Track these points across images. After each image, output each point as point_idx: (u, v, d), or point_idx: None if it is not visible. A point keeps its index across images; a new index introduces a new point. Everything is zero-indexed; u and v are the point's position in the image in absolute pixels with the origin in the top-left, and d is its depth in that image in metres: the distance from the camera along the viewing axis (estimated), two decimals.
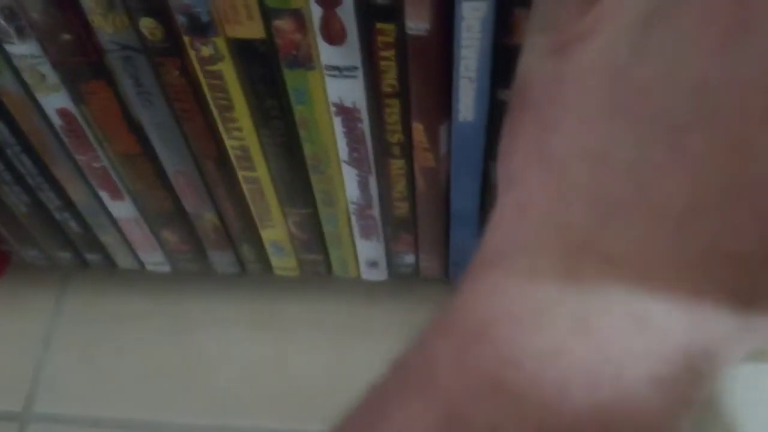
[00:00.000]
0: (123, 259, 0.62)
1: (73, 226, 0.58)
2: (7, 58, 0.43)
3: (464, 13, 0.36)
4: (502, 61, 0.39)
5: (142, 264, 0.63)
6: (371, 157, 0.48)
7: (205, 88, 0.43)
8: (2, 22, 0.40)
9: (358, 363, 0.63)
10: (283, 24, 0.39)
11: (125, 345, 0.68)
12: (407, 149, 0.47)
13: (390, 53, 0.40)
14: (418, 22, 0.38)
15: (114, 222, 0.57)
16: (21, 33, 0.41)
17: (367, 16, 0.38)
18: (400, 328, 0.65)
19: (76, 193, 0.54)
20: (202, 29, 0.39)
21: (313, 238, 0.57)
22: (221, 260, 0.61)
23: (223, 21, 0.39)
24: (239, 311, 0.69)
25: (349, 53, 0.40)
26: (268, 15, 0.38)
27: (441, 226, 0.54)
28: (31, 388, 0.67)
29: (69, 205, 0.55)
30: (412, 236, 0.56)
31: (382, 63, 0.41)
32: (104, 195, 0.54)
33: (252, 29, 0.39)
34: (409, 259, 0.59)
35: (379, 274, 0.61)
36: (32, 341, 0.69)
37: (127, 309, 0.70)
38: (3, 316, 0.70)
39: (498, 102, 0.42)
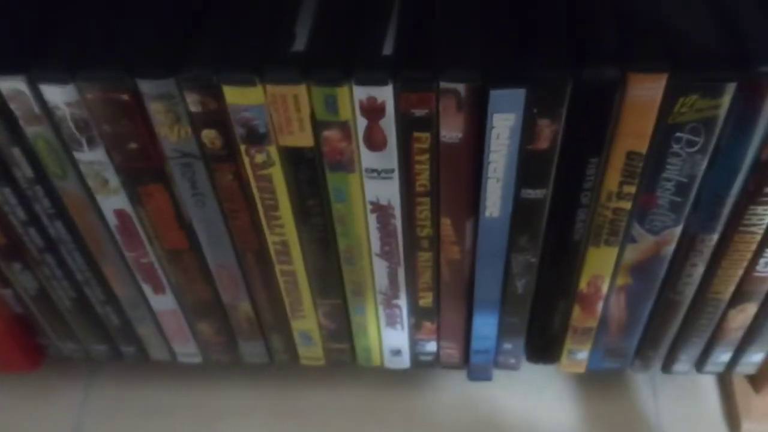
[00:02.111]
0: (156, 351, 0.65)
1: (113, 319, 0.61)
2: (74, 164, 0.47)
3: (495, 123, 0.41)
4: (527, 164, 0.44)
5: (174, 355, 0.66)
6: (401, 250, 0.52)
7: (254, 190, 0.48)
8: (75, 132, 0.45)
9: None
10: (331, 134, 0.43)
11: None
12: (435, 243, 0.51)
13: (424, 157, 0.45)
14: (451, 131, 0.43)
15: (153, 315, 0.60)
16: (91, 142, 0.45)
17: (406, 126, 0.43)
18: (420, 416, 0.68)
19: (121, 287, 0.57)
20: (258, 139, 0.44)
21: (341, 328, 0.61)
22: (251, 350, 0.64)
23: (277, 132, 0.44)
24: (264, 400, 0.71)
25: (388, 158, 0.45)
26: (318, 126, 0.43)
27: (463, 315, 0.58)
28: None
29: (112, 299, 0.59)
30: (434, 325, 0.60)
31: (417, 166, 0.45)
32: (147, 289, 0.57)
33: (303, 138, 0.44)
34: (431, 347, 0.62)
35: (402, 363, 0.64)
36: None
37: (154, 400, 0.72)
38: (32, 408, 0.72)
39: (522, 200, 0.46)
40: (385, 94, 0.41)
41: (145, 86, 0.42)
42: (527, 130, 0.42)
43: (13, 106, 0.43)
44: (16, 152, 0.46)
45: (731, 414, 0.69)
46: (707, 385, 0.71)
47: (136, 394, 0.73)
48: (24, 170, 0.48)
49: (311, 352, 0.64)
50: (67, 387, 0.73)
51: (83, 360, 0.67)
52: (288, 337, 0.62)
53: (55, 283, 0.57)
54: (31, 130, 0.45)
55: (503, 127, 0.41)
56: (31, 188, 0.49)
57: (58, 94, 0.43)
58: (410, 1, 0.44)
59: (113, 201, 0.49)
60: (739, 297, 0.55)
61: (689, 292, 0.55)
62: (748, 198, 0.47)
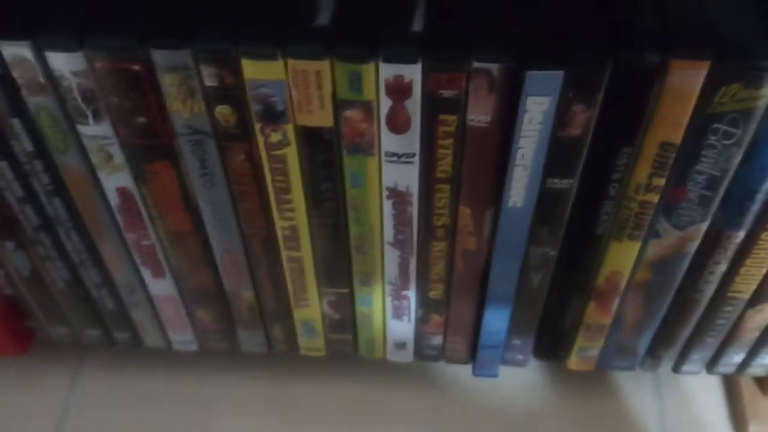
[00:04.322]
0: (151, 338, 0.63)
1: (108, 303, 0.58)
2: (77, 137, 0.45)
3: (528, 107, 0.39)
4: (556, 152, 0.42)
5: (169, 343, 0.63)
6: (415, 239, 0.50)
7: (267, 172, 0.45)
8: (81, 104, 0.42)
9: None
10: (352, 114, 0.41)
11: (140, 428, 0.68)
12: (451, 232, 0.49)
13: (448, 141, 0.43)
14: (480, 115, 0.41)
15: (150, 300, 0.58)
16: (97, 115, 0.43)
17: (433, 107, 0.41)
18: (418, 410, 0.66)
19: (119, 270, 0.55)
20: (275, 117, 0.41)
21: (345, 318, 0.58)
22: (250, 340, 0.62)
23: (296, 110, 0.41)
24: (259, 391, 0.69)
25: (410, 141, 0.43)
26: (339, 105, 0.41)
27: (473, 308, 0.56)
28: None
29: (108, 282, 0.56)
30: (443, 318, 0.58)
31: (440, 151, 0.43)
32: (146, 272, 0.55)
33: (322, 118, 0.42)
34: (437, 341, 0.60)
35: (406, 356, 0.62)
36: (47, 421, 0.68)
37: (145, 388, 0.70)
38: (19, 394, 0.70)
39: (547, 189, 0.45)
40: (413, 72, 0.39)
41: (159, 57, 0.39)
42: (560, 116, 0.40)
43: (16, 74, 0.41)
44: (16, 123, 0.44)
45: (737, 416, 0.68)
46: (712, 386, 0.70)
47: (126, 382, 0.70)
48: (23, 143, 0.45)
49: (312, 342, 0.62)
50: (55, 373, 0.71)
51: (73, 345, 0.65)
52: (289, 327, 0.60)
53: (49, 264, 0.54)
54: (33, 101, 0.42)
55: (536, 111, 0.39)
56: (29, 162, 0.46)
57: (64, 63, 0.40)
58: None
59: (116, 178, 0.47)
60: (758, 297, 0.54)
61: (709, 290, 0.53)
62: None
